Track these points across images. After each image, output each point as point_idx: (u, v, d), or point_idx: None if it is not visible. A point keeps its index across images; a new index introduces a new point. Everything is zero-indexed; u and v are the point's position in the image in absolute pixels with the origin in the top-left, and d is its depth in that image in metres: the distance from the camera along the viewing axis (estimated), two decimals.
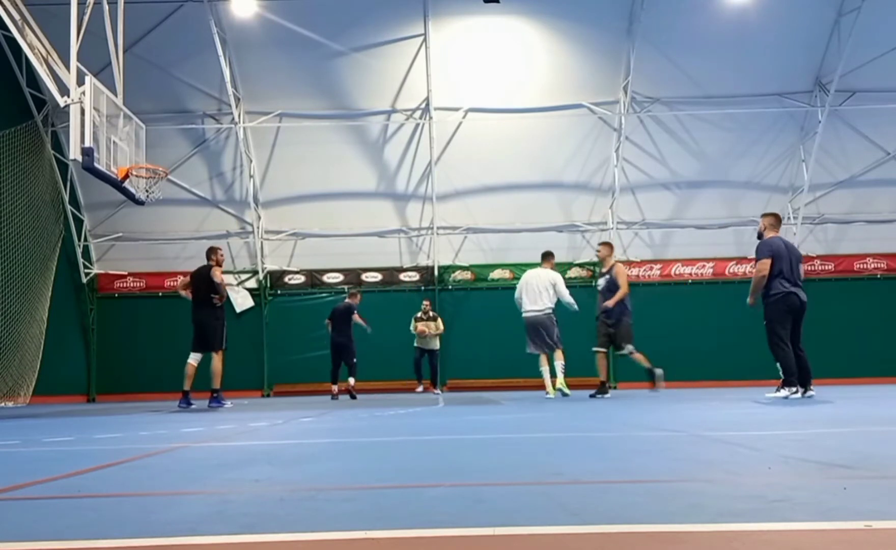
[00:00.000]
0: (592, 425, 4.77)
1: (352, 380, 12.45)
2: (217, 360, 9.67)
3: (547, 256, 11.09)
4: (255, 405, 11.22)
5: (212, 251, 10.01)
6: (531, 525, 1.54)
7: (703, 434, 3.77)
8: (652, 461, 2.73)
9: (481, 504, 1.80)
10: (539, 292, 10.54)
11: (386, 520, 1.63)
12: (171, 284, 15.82)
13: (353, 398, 12.18)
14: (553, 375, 10.48)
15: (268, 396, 16.71)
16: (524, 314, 10.70)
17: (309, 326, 16.97)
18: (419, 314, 14.54)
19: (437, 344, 14.50)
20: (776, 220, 8.65)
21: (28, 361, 15.09)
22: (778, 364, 8.15)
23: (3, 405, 13.92)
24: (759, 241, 8.69)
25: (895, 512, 1.62)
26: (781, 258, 8.23)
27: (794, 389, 7.90)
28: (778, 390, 8.10)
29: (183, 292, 10.09)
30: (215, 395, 9.70)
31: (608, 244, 11.08)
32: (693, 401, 8.28)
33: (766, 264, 8.23)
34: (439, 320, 14.66)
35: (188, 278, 10.03)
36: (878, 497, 1.83)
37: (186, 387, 9.59)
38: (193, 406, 9.47)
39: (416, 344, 14.50)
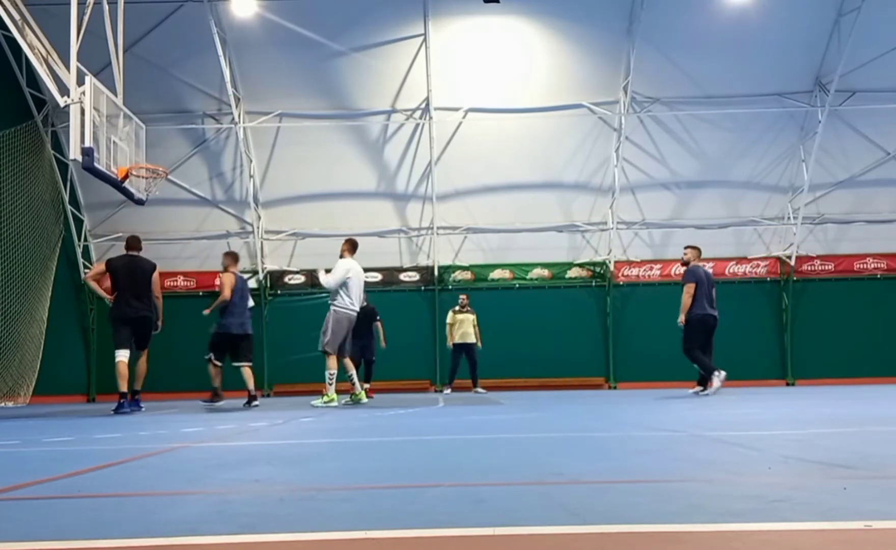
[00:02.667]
0: (592, 425, 4.77)
1: (367, 385, 11.87)
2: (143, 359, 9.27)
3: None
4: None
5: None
6: (531, 525, 1.54)
7: (703, 434, 3.77)
8: (652, 461, 2.73)
9: (481, 504, 1.80)
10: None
11: (386, 520, 1.63)
12: (171, 284, 15.80)
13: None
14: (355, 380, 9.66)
15: (268, 396, 16.70)
16: (354, 312, 9.67)
17: (309, 326, 16.91)
18: (456, 308, 14.52)
19: (474, 338, 14.32)
20: (698, 252, 10.63)
21: (28, 361, 15.09)
22: (696, 366, 10.02)
23: (3, 405, 13.92)
24: (685, 268, 10.51)
25: (895, 512, 1.62)
26: (702, 284, 9.99)
27: (702, 388, 9.78)
28: (698, 389, 9.93)
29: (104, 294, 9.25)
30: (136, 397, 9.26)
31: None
32: (693, 401, 8.29)
33: (692, 287, 9.96)
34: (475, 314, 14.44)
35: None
36: (878, 497, 1.83)
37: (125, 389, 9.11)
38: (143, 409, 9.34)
39: (452, 342, 14.34)
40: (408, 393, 14.41)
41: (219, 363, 9.71)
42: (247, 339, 9.79)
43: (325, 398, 9.24)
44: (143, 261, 9.19)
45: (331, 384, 9.27)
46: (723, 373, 9.71)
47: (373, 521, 1.62)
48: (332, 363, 9.34)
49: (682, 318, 9.99)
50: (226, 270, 9.82)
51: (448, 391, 14.25)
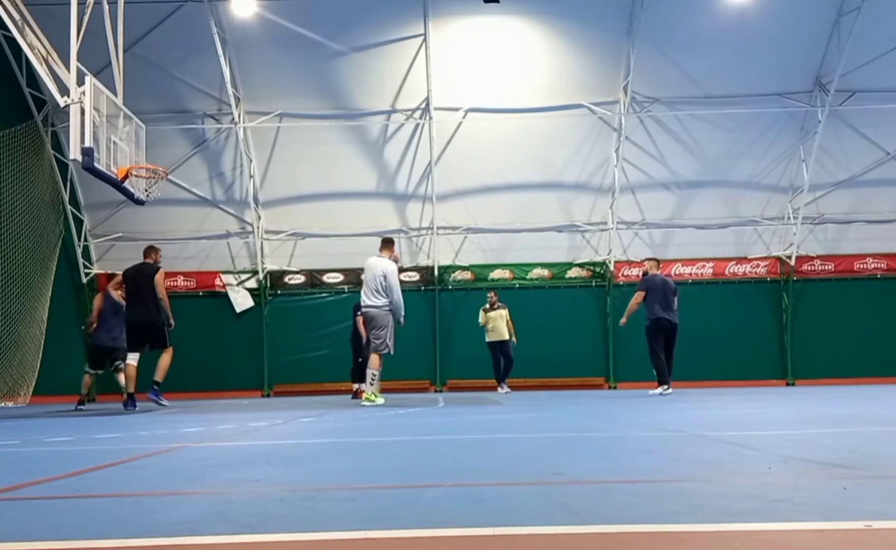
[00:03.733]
0: (592, 425, 4.77)
1: (359, 385, 12.00)
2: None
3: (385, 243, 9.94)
4: (255, 405, 11.22)
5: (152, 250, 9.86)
6: (531, 525, 1.54)
7: (703, 434, 3.77)
8: (652, 461, 2.73)
9: (481, 504, 1.80)
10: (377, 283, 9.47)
11: (386, 520, 1.63)
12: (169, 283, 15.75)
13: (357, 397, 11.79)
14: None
15: (268, 396, 16.71)
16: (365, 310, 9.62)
17: (309, 326, 16.98)
18: (486, 306, 14.48)
19: (508, 335, 14.17)
20: (657, 263, 11.58)
21: (28, 361, 15.09)
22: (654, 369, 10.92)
23: (3, 405, 13.92)
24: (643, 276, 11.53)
25: (895, 512, 1.62)
26: (656, 290, 10.87)
27: (665, 386, 10.72)
28: (657, 391, 10.75)
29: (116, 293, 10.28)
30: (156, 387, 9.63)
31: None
32: (693, 401, 8.29)
33: (640, 295, 11.00)
34: (507, 309, 14.32)
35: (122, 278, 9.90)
36: (878, 497, 1.83)
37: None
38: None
39: (487, 340, 14.22)
40: (408, 393, 14.41)
41: (92, 372, 11.03)
42: (118, 350, 10.47)
43: (377, 400, 9.17)
44: (147, 266, 9.63)
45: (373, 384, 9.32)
46: (669, 390, 10.72)
47: (373, 521, 1.62)
48: (376, 362, 9.37)
49: (623, 320, 11.26)
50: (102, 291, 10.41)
51: (504, 390, 13.95)
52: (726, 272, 17.25)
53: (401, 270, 11.23)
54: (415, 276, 17.23)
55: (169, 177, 12.84)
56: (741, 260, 17.27)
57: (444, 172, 16.60)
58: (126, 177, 9.75)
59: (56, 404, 14.59)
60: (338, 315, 16.43)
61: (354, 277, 17.11)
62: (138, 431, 5.24)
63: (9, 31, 9.41)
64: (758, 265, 17.30)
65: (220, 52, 15.01)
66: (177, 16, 14.94)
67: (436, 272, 17.11)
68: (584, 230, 17.23)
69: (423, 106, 16.25)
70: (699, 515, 1.60)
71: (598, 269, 17.28)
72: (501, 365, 14.22)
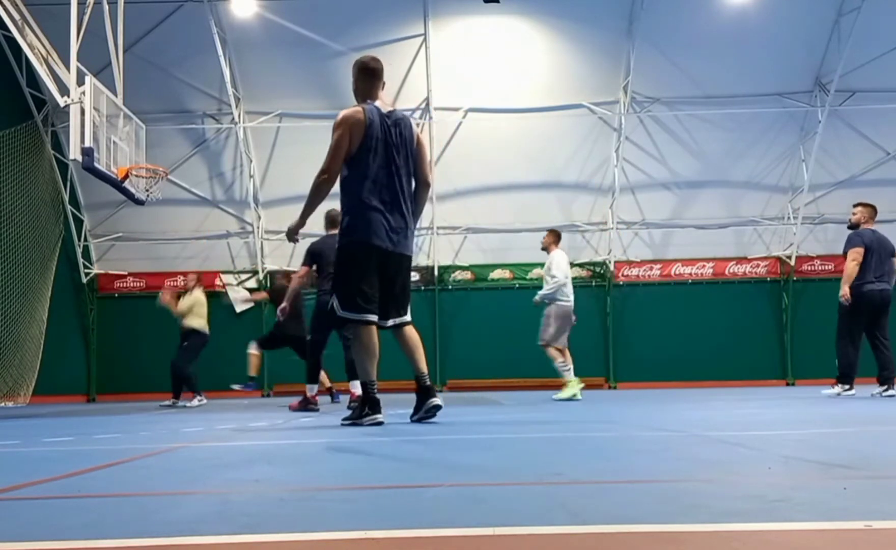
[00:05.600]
0: (592, 425, 4.78)
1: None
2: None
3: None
4: (255, 405, 11.22)
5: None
6: (531, 525, 1.54)
7: (703, 434, 3.77)
8: (652, 461, 2.73)
9: (481, 504, 1.80)
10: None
11: (386, 520, 1.63)
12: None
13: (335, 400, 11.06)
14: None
15: (268, 396, 16.70)
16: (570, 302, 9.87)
17: (309, 326, 16.95)
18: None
19: None
20: (873, 211, 9.03)
21: (28, 361, 15.09)
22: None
23: (3, 405, 13.92)
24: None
25: (895, 512, 1.62)
26: (871, 251, 8.69)
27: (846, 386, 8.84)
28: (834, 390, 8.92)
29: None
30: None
31: None
32: (693, 401, 8.29)
33: (858, 253, 8.61)
34: None
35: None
36: (878, 497, 1.83)
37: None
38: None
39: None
40: (408, 393, 14.42)
41: None
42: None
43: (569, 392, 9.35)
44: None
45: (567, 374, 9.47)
46: (852, 391, 8.93)
47: (373, 521, 1.62)
48: (554, 354, 9.66)
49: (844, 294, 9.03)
50: None
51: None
52: (726, 272, 17.25)
53: None
54: (415, 276, 17.21)
55: (169, 177, 12.86)
56: (741, 260, 17.27)
57: (444, 172, 16.59)
58: (126, 177, 9.76)
59: (61, 403, 14.59)
60: None
61: None
62: (138, 431, 5.24)
63: (9, 31, 9.42)
64: (758, 265, 17.30)
65: (220, 52, 15.02)
66: (177, 16, 14.95)
67: (436, 272, 17.11)
68: (584, 230, 17.24)
69: (422, 106, 16.25)
70: (699, 515, 1.60)
71: (598, 269, 17.28)
72: None
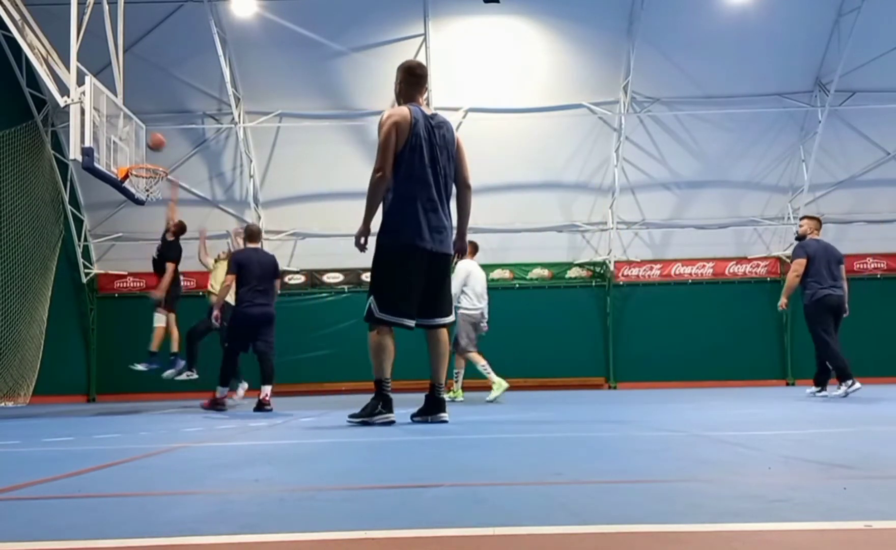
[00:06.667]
0: (592, 425, 4.78)
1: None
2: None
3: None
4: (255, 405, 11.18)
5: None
6: (531, 524, 1.54)
7: (703, 434, 3.77)
8: (652, 461, 2.73)
9: (481, 504, 1.80)
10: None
11: (386, 520, 1.63)
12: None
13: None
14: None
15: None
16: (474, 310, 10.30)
17: (309, 326, 16.97)
18: None
19: None
20: (818, 223, 9.48)
21: (28, 361, 15.09)
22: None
23: (3, 405, 13.92)
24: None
25: (895, 512, 1.62)
26: (818, 259, 9.05)
27: (850, 382, 8.67)
28: (840, 390, 8.75)
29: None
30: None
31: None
32: (693, 401, 8.29)
33: (800, 264, 9.09)
34: None
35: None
36: (878, 497, 1.83)
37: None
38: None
39: None
40: (408, 393, 14.41)
41: None
42: None
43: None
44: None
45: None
46: (857, 386, 8.75)
47: (373, 521, 1.62)
48: (475, 358, 10.06)
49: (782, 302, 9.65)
50: None
51: None
52: (726, 272, 17.25)
53: None
54: None
55: (169, 177, 12.85)
56: (741, 260, 17.27)
57: None
58: (126, 177, 9.75)
59: (61, 403, 14.59)
60: (338, 315, 16.45)
61: (354, 277, 17.12)
62: (138, 431, 5.24)
63: (9, 31, 9.41)
64: (758, 265, 17.30)
65: (220, 52, 15.01)
66: (177, 16, 14.94)
67: None
68: (584, 230, 17.23)
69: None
70: (699, 515, 1.60)
71: (598, 269, 17.27)
72: None
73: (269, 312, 8.43)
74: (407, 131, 4.95)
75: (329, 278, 17.33)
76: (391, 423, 4.87)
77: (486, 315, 10.41)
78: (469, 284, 10.07)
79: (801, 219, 9.62)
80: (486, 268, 17.36)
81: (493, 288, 17.09)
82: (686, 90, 16.10)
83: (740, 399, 8.62)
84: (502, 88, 16.12)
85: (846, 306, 8.98)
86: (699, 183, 16.92)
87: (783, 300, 9.30)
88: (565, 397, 11.13)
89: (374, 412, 4.89)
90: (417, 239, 4.84)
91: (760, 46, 15.61)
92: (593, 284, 17.29)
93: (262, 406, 8.21)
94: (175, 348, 10.47)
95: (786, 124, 16.54)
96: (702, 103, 16.14)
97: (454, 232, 5.18)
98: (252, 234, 8.57)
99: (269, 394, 8.20)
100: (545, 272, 17.29)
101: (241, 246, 9.19)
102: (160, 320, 10.38)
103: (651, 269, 17.33)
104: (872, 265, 17.16)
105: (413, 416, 5.23)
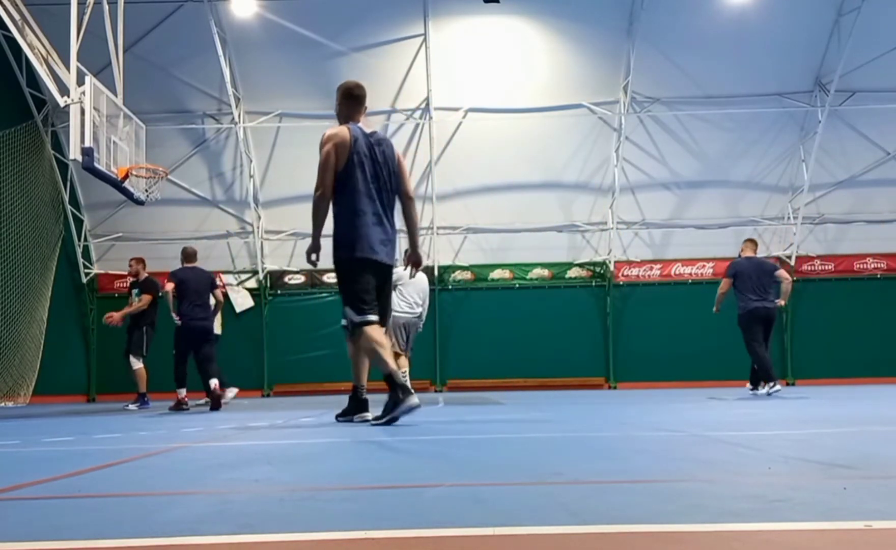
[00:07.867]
0: (592, 425, 4.78)
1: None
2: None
3: None
4: (255, 405, 11.22)
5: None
6: (531, 524, 1.54)
7: (703, 434, 3.77)
8: (652, 461, 2.73)
9: (481, 504, 1.80)
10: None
11: (386, 520, 1.63)
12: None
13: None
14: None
15: (268, 396, 16.71)
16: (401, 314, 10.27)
17: (309, 326, 16.97)
18: None
19: None
20: (753, 245, 10.84)
21: (28, 361, 15.09)
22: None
23: (3, 405, 13.92)
24: None
25: (895, 512, 1.62)
26: (748, 276, 10.15)
27: (772, 384, 9.74)
28: (763, 390, 9.76)
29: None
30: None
31: None
32: (693, 401, 8.29)
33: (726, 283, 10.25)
34: None
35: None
36: (878, 497, 1.83)
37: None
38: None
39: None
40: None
41: None
42: None
43: None
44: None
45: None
46: (778, 388, 9.64)
47: (373, 521, 1.61)
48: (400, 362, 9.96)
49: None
50: None
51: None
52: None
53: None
54: None
55: (169, 177, 12.85)
56: None
57: (444, 172, 16.60)
58: (126, 177, 9.75)
59: (61, 403, 14.59)
60: (338, 315, 16.36)
61: None
62: (138, 431, 5.24)
63: (9, 31, 9.41)
64: None
65: (220, 52, 15.02)
66: (177, 16, 14.95)
67: (436, 272, 17.10)
68: (584, 230, 17.24)
69: (423, 106, 16.26)
70: (699, 515, 1.60)
71: (598, 269, 17.28)
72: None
73: (207, 326, 9.15)
74: (347, 150, 5.18)
75: (329, 278, 17.32)
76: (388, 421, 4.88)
77: (423, 319, 10.61)
78: (398, 288, 10.35)
79: (743, 242, 10.88)
80: (486, 268, 17.44)
81: (493, 288, 17.18)
82: (686, 90, 16.11)
83: (740, 399, 8.62)
84: (502, 88, 16.12)
85: (775, 314, 10.24)
86: (699, 183, 16.92)
87: (715, 308, 10.39)
88: (565, 397, 11.12)
89: (396, 405, 4.89)
90: (370, 251, 5.09)
91: (760, 46, 15.61)
92: (593, 284, 17.29)
93: (216, 400, 8.67)
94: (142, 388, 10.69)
95: (786, 124, 16.54)
96: (702, 103, 16.14)
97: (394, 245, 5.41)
98: (188, 255, 9.34)
99: (217, 385, 8.73)
100: (545, 272, 17.30)
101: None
102: (136, 363, 10.48)
103: (651, 269, 17.33)
104: (872, 265, 17.16)
105: (337, 416, 5.57)
